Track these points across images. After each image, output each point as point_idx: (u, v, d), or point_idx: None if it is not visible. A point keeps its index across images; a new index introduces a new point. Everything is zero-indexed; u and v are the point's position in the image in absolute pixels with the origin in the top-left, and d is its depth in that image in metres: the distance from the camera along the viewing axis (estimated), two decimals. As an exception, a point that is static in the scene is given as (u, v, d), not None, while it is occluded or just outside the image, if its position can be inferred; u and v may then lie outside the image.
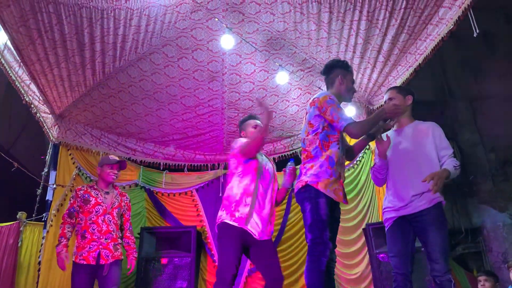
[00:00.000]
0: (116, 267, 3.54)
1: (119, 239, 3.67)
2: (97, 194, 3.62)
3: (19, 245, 4.58)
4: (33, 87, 4.33)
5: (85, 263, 3.40)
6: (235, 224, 2.74)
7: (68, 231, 3.50)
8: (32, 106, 4.38)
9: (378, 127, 2.83)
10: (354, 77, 4.65)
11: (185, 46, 4.50)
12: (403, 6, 3.82)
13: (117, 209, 3.68)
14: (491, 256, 6.44)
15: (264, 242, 2.81)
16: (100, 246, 3.47)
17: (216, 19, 4.21)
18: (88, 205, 3.54)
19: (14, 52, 3.89)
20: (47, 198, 4.66)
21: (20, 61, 3.99)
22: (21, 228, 4.64)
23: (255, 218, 2.78)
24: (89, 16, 3.85)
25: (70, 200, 3.64)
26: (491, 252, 6.46)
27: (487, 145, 7.03)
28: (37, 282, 4.31)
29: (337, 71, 2.87)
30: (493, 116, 7.00)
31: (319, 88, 4.93)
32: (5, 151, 5.19)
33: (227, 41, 4.21)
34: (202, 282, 5.22)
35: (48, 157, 4.91)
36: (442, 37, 3.82)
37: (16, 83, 4.07)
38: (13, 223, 4.67)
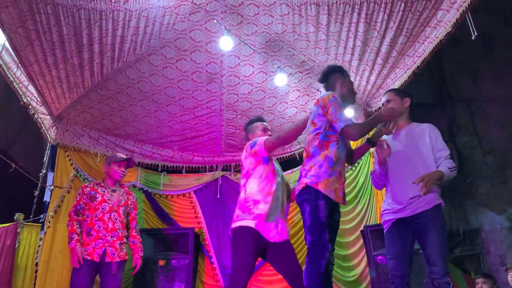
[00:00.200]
0: (121, 267, 3.54)
1: (124, 238, 3.65)
2: (104, 192, 3.61)
3: (16, 246, 4.57)
4: (31, 88, 4.32)
5: (89, 258, 3.37)
6: (253, 222, 2.74)
7: (77, 227, 3.47)
8: (30, 107, 4.38)
9: (377, 131, 2.84)
10: (352, 79, 4.68)
11: (183, 47, 4.50)
12: (401, 9, 3.83)
13: (123, 207, 3.66)
14: (489, 259, 6.44)
15: (281, 242, 2.80)
16: (106, 244, 3.45)
17: (215, 21, 4.21)
18: (94, 202, 3.52)
19: (12, 53, 3.88)
20: (44, 200, 4.64)
21: (18, 62, 3.98)
22: (18, 230, 4.64)
23: (273, 217, 2.79)
24: (87, 17, 3.85)
25: (76, 197, 3.62)
26: (489, 255, 6.46)
27: (485, 147, 7.04)
28: (34, 284, 4.29)
29: (335, 75, 2.89)
30: (491, 118, 7.02)
31: (318, 90, 4.93)
32: (3, 152, 5.19)
33: (225, 43, 4.21)
34: (199, 284, 5.21)
35: (45, 158, 4.90)
36: (440, 40, 3.83)
37: (14, 84, 4.05)
38: (11, 225, 4.67)
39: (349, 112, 4.98)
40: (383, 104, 2.94)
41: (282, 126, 5.52)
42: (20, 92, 4.17)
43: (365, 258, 4.58)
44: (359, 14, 3.96)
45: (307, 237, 2.45)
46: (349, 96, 2.90)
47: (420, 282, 3.80)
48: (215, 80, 4.90)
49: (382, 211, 2.81)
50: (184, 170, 5.88)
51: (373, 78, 4.61)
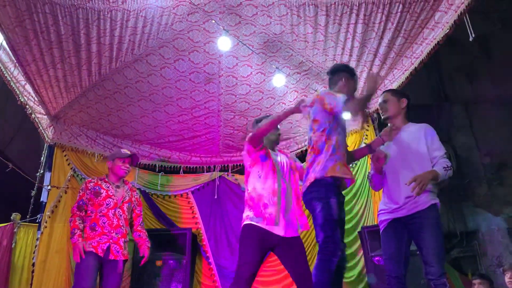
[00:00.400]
0: (123, 267, 3.47)
1: (127, 236, 3.57)
2: (108, 187, 3.52)
3: (13, 246, 4.55)
4: (28, 87, 4.31)
5: (93, 251, 3.27)
6: (257, 220, 2.75)
7: (80, 223, 3.36)
8: (28, 106, 4.37)
9: (378, 139, 2.86)
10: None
11: (181, 47, 4.50)
12: (399, 10, 3.84)
13: (127, 204, 3.58)
14: (486, 260, 6.46)
15: (291, 239, 2.78)
16: (111, 240, 3.36)
17: (213, 21, 4.21)
18: (98, 198, 3.44)
19: (10, 52, 3.87)
20: (41, 200, 4.63)
21: (15, 61, 3.97)
22: (15, 230, 4.61)
23: (282, 216, 2.78)
24: (85, 17, 3.84)
25: (79, 192, 3.52)
26: (486, 256, 6.48)
27: (483, 149, 7.07)
28: (31, 284, 4.28)
29: (342, 73, 2.88)
30: (489, 120, 7.04)
31: (315, 91, 4.93)
32: (-1, 152, 5.17)
33: (223, 43, 4.21)
34: (197, 284, 5.20)
35: (43, 158, 4.89)
36: (438, 41, 3.85)
37: (11, 83, 4.04)
38: (7, 224, 4.65)
39: (346, 114, 4.98)
40: (379, 104, 2.96)
41: (280, 127, 5.51)
42: (17, 92, 4.16)
43: (363, 259, 4.58)
44: (357, 15, 3.97)
45: (320, 234, 2.42)
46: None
47: (418, 283, 3.80)
48: (213, 80, 4.90)
49: (379, 211, 2.81)
50: (181, 170, 5.87)
51: (371, 79, 4.61)
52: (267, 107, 5.23)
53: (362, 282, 4.64)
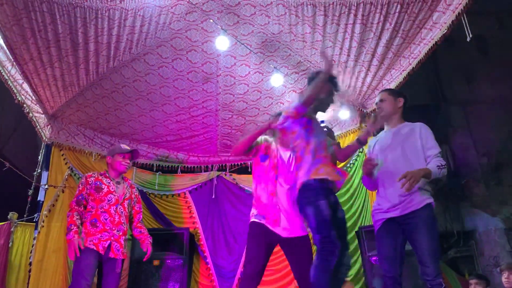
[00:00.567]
0: (122, 266, 3.38)
1: (127, 234, 3.50)
2: (109, 183, 3.41)
3: (10, 245, 4.55)
4: (25, 86, 4.30)
5: (94, 249, 3.17)
6: (265, 223, 2.79)
7: (77, 219, 3.23)
8: (25, 105, 4.35)
9: (365, 131, 2.85)
10: (348, 81, 4.70)
11: (179, 47, 4.49)
12: (397, 10, 3.85)
13: (128, 201, 3.50)
14: (483, 260, 6.48)
15: (294, 239, 2.78)
16: (112, 238, 3.26)
17: (211, 21, 4.20)
18: (100, 193, 3.33)
19: (7, 51, 3.86)
20: (38, 199, 4.61)
21: (13, 60, 3.96)
22: (12, 229, 4.61)
23: (283, 217, 2.80)
24: (83, 15, 3.83)
25: (78, 186, 3.40)
26: (483, 256, 6.50)
27: (480, 149, 7.09)
28: (28, 283, 4.27)
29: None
30: (486, 120, 7.06)
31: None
32: (-4, 151, 5.15)
33: (221, 43, 4.21)
34: (194, 284, 5.20)
35: (40, 157, 4.88)
36: (436, 41, 3.86)
37: (9, 82, 4.03)
38: (4, 224, 4.64)
39: (344, 113, 5.00)
40: (376, 103, 2.96)
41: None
42: (15, 90, 4.15)
43: (360, 259, 4.59)
44: (355, 15, 3.97)
45: (316, 236, 2.43)
46: (318, 104, 2.84)
47: (415, 284, 3.81)
48: (211, 79, 4.90)
49: (373, 210, 2.80)
50: (179, 170, 5.87)
51: (368, 79, 4.62)
52: (265, 107, 5.23)
53: (359, 281, 4.65)
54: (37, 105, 4.61)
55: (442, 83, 7.58)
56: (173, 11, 4.11)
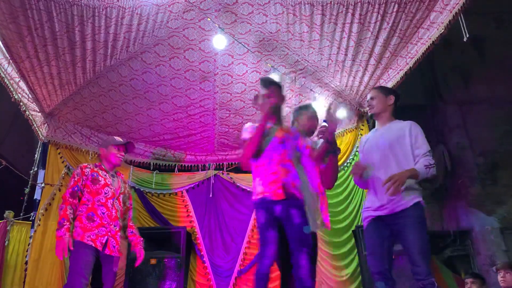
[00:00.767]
0: (118, 264, 3.23)
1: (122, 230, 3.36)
2: (105, 175, 3.26)
3: (6, 244, 4.52)
4: (22, 84, 4.28)
5: (92, 245, 3.01)
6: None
7: (70, 213, 3.03)
8: (21, 104, 4.33)
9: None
10: (346, 80, 4.71)
11: (177, 45, 4.48)
12: (395, 10, 3.86)
13: (122, 196, 3.36)
14: (479, 259, 6.49)
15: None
16: (109, 233, 3.10)
17: (209, 19, 4.20)
18: (96, 186, 3.16)
19: (3, 49, 3.84)
20: (35, 197, 4.61)
21: (9, 58, 3.94)
22: (8, 227, 4.59)
23: None
24: (80, 14, 3.82)
25: (73, 177, 3.18)
26: (479, 255, 6.51)
27: (476, 149, 7.10)
28: (24, 282, 4.26)
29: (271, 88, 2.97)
30: (482, 120, 7.08)
31: (311, 90, 4.94)
32: (-7, 149, 5.13)
33: (219, 41, 4.21)
34: (191, 283, 5.20)
35: (36, 156, 4.86)
36: (433, 41, 3.86)
37: (5, 80, 4.01)
38: (0, 222, 4.62)
39: (342, 113, 5.00)
40: (367, 101, 2.95)
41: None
42: (11, 89, 4.13)
43: (357, 258, 4.60)
44: (353, 15, 3.97)
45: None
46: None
47: (411, 284, 3.81)
48: (208, 78, 4.89)
49: (363, 208, 2.79)
50: (176, 169, 5.86)
51: (366, 78, 4.63)
52: (263, 106, 5.21)
53: (356, 280, 4.66)
54: (34, 103, 4.59)
55: (439, 83, 7.58)
56: (170, 10, 4.10)
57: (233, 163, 5.91)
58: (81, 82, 4.55)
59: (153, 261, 4.51)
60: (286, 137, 2.76)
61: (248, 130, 2.79)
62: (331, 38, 4.27)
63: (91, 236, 3.02)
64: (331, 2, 3.93)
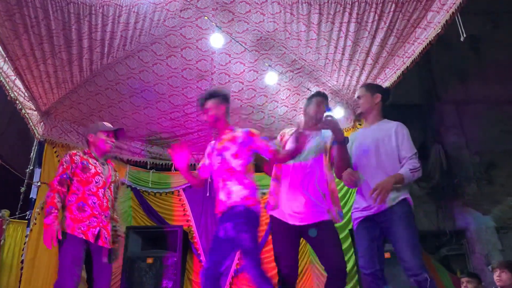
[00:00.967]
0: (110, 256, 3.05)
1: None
2: (95, 163, 3.07)
3: (1, 243, 4.51)
4: (18, 83, 4.26)
5: (84, 238, 2.83)
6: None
7: (58, 201, 2.84)
8: (17, 102, 4.31)
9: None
10: (343, 79, 4.71)
11: (174, 44, 4.47)
12: (392, 9, 3.86)
13: (114, 184, 3.18)
14: (475, 258, 6.53)
15: (311, 225, 2.71)
16: (101, 224, 2.93)
17: (206, 18, 4.19)
18: (87, 174, 2.97)
19: (-1, 46, 3.83)
20: (31, 196, 4.58)
21: (5, 56, 3.92)
22: (4, 226, 4.58)
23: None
24: (76, 11, 3.80)
25: (62, 164, 3.00)
26: (475, 254, 6.55)
27: (472, 148, 7.14)
28: (20, 281, 4.24)
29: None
30: (478, 120, 7.11)
31: (308, 89, 4.94)
32: (-12, 148, 5.11)
33: (216, 40, 4.20)
34: (188, 282, 5.19)
35: (32, 154, 4.84)
36: (430, 41, 3.87)
37: (1, 78, 3.99)
38: (-4, 221, 4.60)
39: (339, 112, 5.01)
40: (354, 100, 2.93)
41: (272, 125, 5.52)
42: (7, 87, 4.11)
43: (353, 257, 4.61)
44: (350, 14, 3.98)
45: None
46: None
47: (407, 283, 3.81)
48: (205, 77, 4.88)
49: (352, 209, 2.77)
50: (173, 167, 5.84)
51: (363, 78, 4.63)
52: (260, 105, 5.22)
53: (353, 279, 4.67)
54: (30, 101, 4.57)
55: (435, 83, 7.62)
56: (167, 8, 4.09)
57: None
58: (77, 81, 4.53)
59: (149, 260, 4.50)
60: (226, 145, 2.81)
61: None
62: (328, 38, 4.27)
63: (82, 228, 2.85)
64: (328, 1, 3.93)
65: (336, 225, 2.78)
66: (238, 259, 5.26)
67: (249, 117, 5.37)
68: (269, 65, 4.66)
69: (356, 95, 2.90)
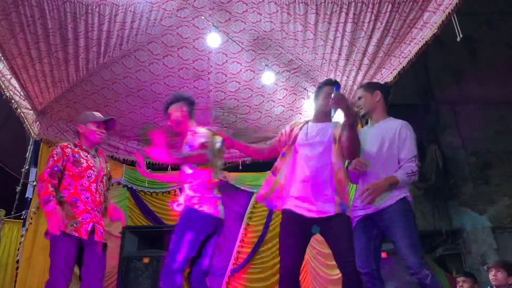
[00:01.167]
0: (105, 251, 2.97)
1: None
2: (87, 156, 2.97)
3: (-3, 243, 4.49)
4: (14, 82, 4.24)
5: (76, 235, 2.74)
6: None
7: (52, 190, 2.74)
8: (13, 101, 4.29)
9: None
10: (339, 79, 4.72)
11: (170, 43, 4.47)
12: (388, 10, 3.87)
13: (106, 177, 3.10)
14: (470, 258, 6.55)
15: (326, 218, 2.59)
16: (94, 219, 2.86)
17: (203, 17, 4.19)
18: (79, 168, 2.87)
19: (-5, 45, 3.81)
20: (26, 196, 4.57)
21: (0, 55, 3.90)
22: (-1, 226, 4.55)
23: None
24: (73, 10, 3.79)
25: (52, 157, 2.87)
26: (471, 254, 6.58)
27: (468, 148, 7.17)
28: (15, 281, 4.22)
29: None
30: (474, 120, 7.15)
31: (305, 89, 4.95)
32: (-16, 147, 5.08)
33: (213, 40, 4.19)
34: (184, 282, 5.17)
35: (28, 154, 4.82)
36: (426, 41, 3.88)
37: (-4, 77, 3.98)
38: (-9, 221, 4.58)
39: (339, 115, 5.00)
40: (356, 102, 2.91)
41: (269, 125, 5.53)
42: (3, 86, 4.08)
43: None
44: (346, 14, 3.98)
45: None
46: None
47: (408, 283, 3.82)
48: (202, 77, 4.88)
49: (351, 207, 2.72)
50: (169, 167, 5.83)
51: (359, 78, 4.64)
52: (256, 105, 5.22)
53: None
54: (26, 101, 4.55)
55: (431, 83, 7.64)
56: (164, 7, 4.08)
57: (227, 162, 5.90)
58: (73, 80, 4.51)
59: (145, 260, 4.49)
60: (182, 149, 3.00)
61: None
62: (325, 38, 4.28)
63: (75, 225, 2.76)
64: (325, 1, 3.93)
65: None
66: (235, 259, 5.27)
67: (246, 117, 5.37)
68: (266, 65, 4.67)
69: (356, 97, 2.89)
